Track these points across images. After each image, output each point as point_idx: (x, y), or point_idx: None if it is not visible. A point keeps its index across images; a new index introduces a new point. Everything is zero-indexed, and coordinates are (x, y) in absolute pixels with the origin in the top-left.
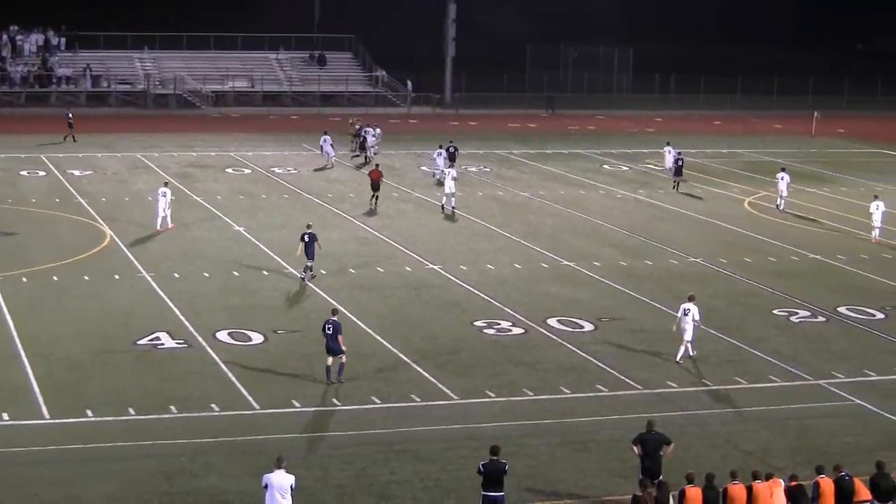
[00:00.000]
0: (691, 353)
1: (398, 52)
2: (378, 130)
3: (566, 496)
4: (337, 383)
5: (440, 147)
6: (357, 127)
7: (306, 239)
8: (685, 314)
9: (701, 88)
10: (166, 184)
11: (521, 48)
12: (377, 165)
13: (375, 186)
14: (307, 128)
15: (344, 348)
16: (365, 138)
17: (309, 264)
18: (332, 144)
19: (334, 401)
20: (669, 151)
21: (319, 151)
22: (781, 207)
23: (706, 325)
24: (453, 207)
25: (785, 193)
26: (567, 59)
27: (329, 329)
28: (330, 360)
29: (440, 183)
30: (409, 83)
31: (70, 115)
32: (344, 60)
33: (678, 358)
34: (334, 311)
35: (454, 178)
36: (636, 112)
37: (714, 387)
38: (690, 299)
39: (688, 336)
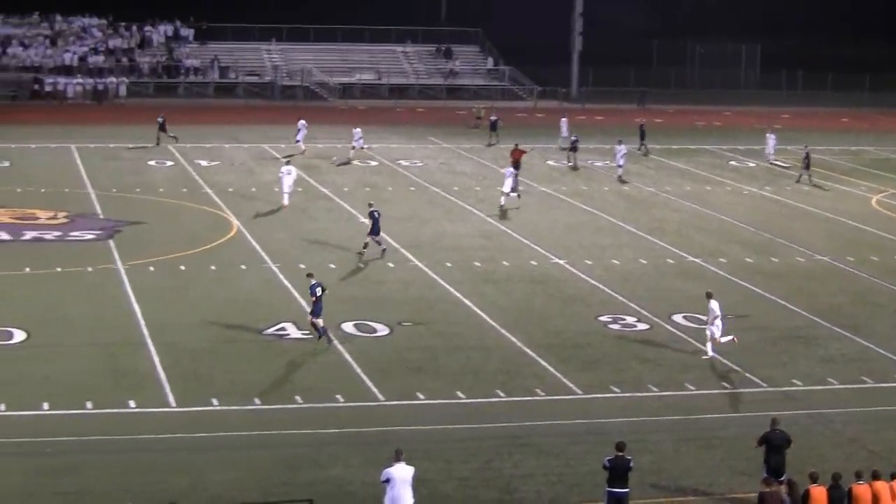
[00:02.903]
0: (710, 351)
1: (524, 46)
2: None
3: (690, 493)
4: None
5: (620, 143)
6: (493, 118)
7: (376, 216)
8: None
9: (828, 85)
10: (288, 162)
11: (648, 43)
12: (517, 145)
13: (517, 165)
14: (433, 120)
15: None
16: (495, 123)
17: (378, 239)
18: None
19: (458, 394)
20: (771, 138)
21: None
22: None
23: (830, 323)
24: (501, 206)
25: None
26: (694, 54)
27: (319, 290)
28: (321, 321)
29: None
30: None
31: (161, 117)
32: (470, 54)
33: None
34: (310, 274)
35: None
36: (763, 108)
37: (839, 386)
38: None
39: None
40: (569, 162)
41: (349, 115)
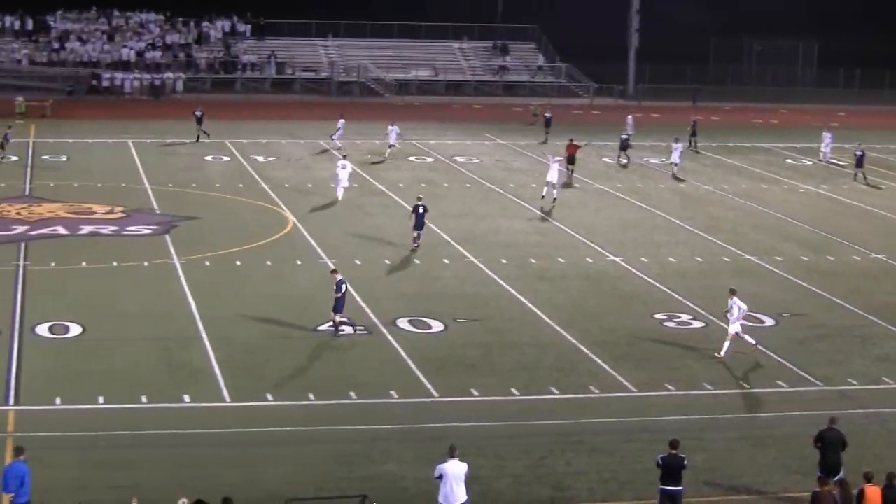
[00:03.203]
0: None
1: (581, 43)
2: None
3: (744, 491)
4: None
5: (677, 140)
6: (547, 115)
7: (420, 210)
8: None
9: (886, 83)
10: (345, 156)
11: (705, 40)
12: (571, 140)
13: (571, 160)
14: (489, 117)
15: None
16: (549, 120)
17: (417, 234)
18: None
19: (513, 390)
20: (827, 136)
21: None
22: None
23: (886, 322)
24: (554, 200)
25: None
26: (751, 51)
27: (344, 287)
28: (338, 317)
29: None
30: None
31: (199, 111)
32: (527, 51)
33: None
34: (335, 271)
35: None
36: (820, 106)
37: (895, 385)
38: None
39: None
40: (620, 160)
41: (405, 111)
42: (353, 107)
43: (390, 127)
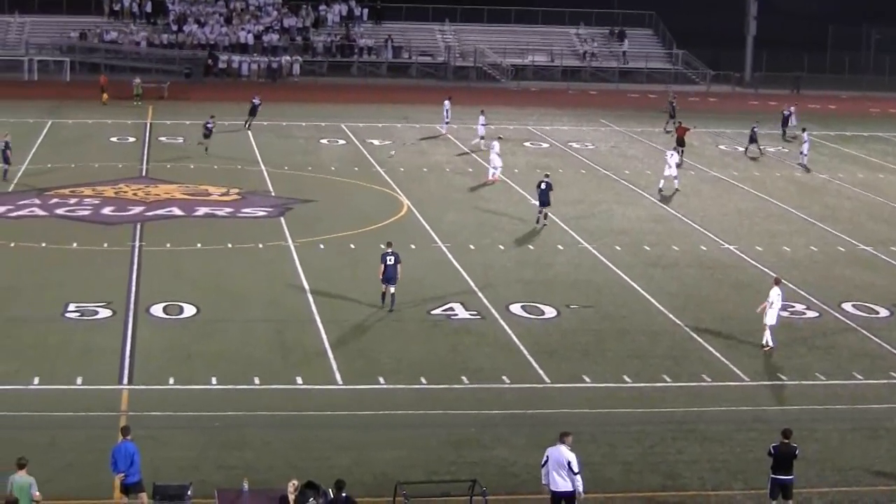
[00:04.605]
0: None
1: (698, 30)
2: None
3: (855, 483)
4: (389, 310)
5: (804, 130)
6: (673, 104)
7: (543, 186)
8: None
9: None
10: (499, 138)
11: (823, 28)
12: (680, 122)
13: (681, 142)
14: (605, 104)
15: (399, 277)
16: (674, 109)
17: (544, 211)
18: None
19: (625, 378)
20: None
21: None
22: None
23: None
24: (676, 189)
25: None
26: (869, 40)
27: (391, 259)
28: (389, 288)
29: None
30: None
31: (257, 99)
32: (643, 37)
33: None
34: (390, 244)
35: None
36: None
37: None
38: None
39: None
40: (759, 151)
41: (521, 96)
42: (470, 92)
43: (482, 118)
